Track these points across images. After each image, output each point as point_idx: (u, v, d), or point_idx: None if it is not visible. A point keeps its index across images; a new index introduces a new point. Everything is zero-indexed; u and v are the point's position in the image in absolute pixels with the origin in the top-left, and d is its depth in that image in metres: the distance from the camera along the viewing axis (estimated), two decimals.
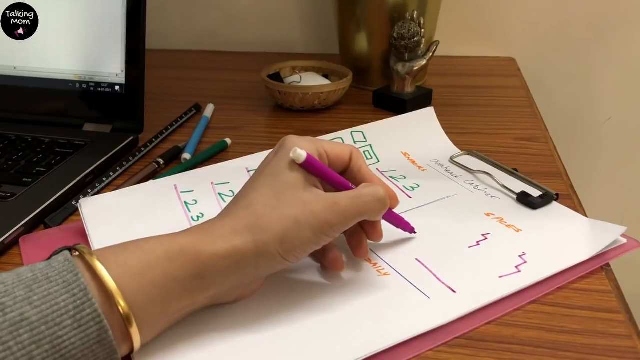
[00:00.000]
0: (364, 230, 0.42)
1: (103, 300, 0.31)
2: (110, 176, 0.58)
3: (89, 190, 0.55)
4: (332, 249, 0.42)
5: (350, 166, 0.42)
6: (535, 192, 0.52)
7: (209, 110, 0.74)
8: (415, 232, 0.46)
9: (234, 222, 0.36)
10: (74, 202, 0.53)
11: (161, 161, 0.60)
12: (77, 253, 0.34)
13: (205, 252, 0.35)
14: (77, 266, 0.32)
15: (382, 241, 0.43)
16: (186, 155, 0.61)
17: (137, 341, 0.33)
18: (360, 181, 0.41)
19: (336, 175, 0.40)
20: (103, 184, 0.56)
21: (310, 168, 0.39)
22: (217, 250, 0.35)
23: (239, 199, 0.39)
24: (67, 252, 0.33)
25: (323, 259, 0.42)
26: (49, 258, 0.33)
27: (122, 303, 0.32)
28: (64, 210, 0.52)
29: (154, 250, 0.34)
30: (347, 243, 0.43)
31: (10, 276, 0.31)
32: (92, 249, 0.45)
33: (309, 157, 0.38)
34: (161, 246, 0.34)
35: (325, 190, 0.40)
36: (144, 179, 0.57)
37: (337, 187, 0.40)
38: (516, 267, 0.42)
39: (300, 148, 0.38)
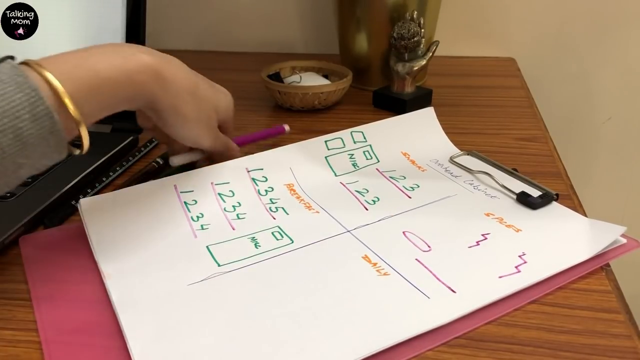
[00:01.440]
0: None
1: (52, 102, 0.37)
2: (110, 176, 0.58)
3: (89, 190, 0.55)
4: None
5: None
6: (535, 192, 0.52)
7: None
8: (285, 130, 0.49)
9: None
10: (73, 202, 0.53)
11: (160, 161, 0.60)
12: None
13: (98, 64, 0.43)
14: (25, 70, 0.36)
15: (382, 241, 0.43)
16: None
17: (85, 137, 0.40)
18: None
19: None
20: (103, 184, 0.56)
21: None
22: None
23: None
24: (10, 60, 0.38)
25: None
26: None
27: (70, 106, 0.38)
28: (63, 210, 0.52)
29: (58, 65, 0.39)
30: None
31: None
32: (93, 251, 0.45)
33: None
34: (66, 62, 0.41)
35: None
36: (143, 179, 0.57)
37: None
38: (516, 267, 0.42)
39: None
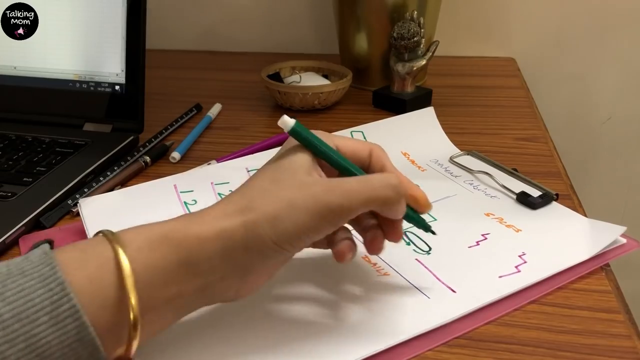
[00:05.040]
0: (381, 228, 0.38)
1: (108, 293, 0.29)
2: (108, 176, 0.58)
3: (86, 190, 0.55)
4: (342, 239, 0.36)
5: (371, 164, 0.37)
6: (535, 192, 0.52)
7: (214, 109, 0.74)
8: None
9: (225, 205, 0.34)
10: (69, 202, 0.53)
11: (147, 159, 0.60)
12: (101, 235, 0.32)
13: (190, 235, 0.32)
14: (55, 258, 0.29)
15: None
16: (175, 155, 0.61)
17: (136, 341, 0.31)
18: None
19: (335, 153, 0.36)
20: (100, 184, 0.56)
21: (302, 140, 0.35)
22: (203, 232, 0.32)
23: (238, 188, 0.36)
24: (45, 245, 0.31)
25: (331, 247, 0.37)
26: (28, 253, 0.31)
27: (133, 298, 0.29)
28: (59, 210, 0.52)
29: (134, 239, 0.32)
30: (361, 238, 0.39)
31: None
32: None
33: (297, 125, 0.35)
34: (140, 235, 0.32)
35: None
36: (130, 177, 0.58)
37: (341, 170, 0.36)
38: (516, 267, 0.42)
39: (294, 120, 0.35)
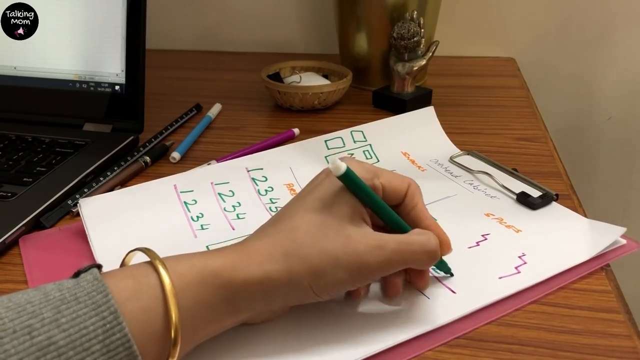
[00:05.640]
0: (407, 273, 0.40)
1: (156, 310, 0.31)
2: (108, 176, 0.58)
3: (86, 190, 0.55)
4: (395, 281, 0.39)
5: (405, 202, 0.39)
6: (535, 193, 0.52)
7: (214, 110, 0.74)
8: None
9: (271, 247, 0.35)
10: (69, 202, 0.53)
11: (147, 159, 0.60)
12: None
13: (237, 277, 0.33)
14: (107, 286, 0.30)
15: None
16: (175, 155, 0.61)
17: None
18: (413, 220, 0.38)
19: (381, 205, 0.37)
20: (100, 184, 0.56)
21: (351, 186, 0.36)
22: (249, 276, 0.33)
23: (281, 219, 0.37)
24: (95, 270, 0.31)
25: (384, 285, 0.40)
26: (76, 274, 0.32)
27: (174, 332, 0.31)
28: (59, 210, 0.52)
29: (187, 272, 0.33)
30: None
31: (37, 294, 0.29)
32: (93, 251, 0.45)
33: (349, 171, 0.35)
34: (194, 269, 0.33)
35: (374, 227, 0.38)
36: (130, 177, 0.58)
37: (384, 219, 0.38)
38: (516, 267, 0.42)
39: (345, 164, 0.35)
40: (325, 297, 0.35)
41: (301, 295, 0.35)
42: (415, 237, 0.36)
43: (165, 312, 0.31)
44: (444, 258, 0.41)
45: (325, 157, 0.57)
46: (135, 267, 0.33)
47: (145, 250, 0.34)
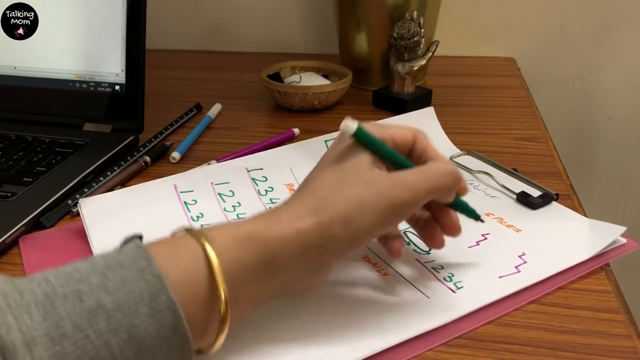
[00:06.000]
0: (438, 222, 0.40)
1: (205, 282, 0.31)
2: (108, 176, 0.58)
3: (86, 190, 0.55)
4: (395, 236, 0.40)
5: (414, 148, 0.40)
6: (535, 192, 0.52)
7: (214, 109, 0.74)
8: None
9: (298, 207, 0.35)
10: (69, 202, 0.53)
11: (147, 159, 0.60)
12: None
13: (272, 236, 0.34)
14: (149, 251, 0.31)
15: None
16: (175, 155, 0.61)
17: (224, 332, 0.32)
18: (426, 162, 0.39)
19: (394, 153, 0.38)
20: (100, 184, 0.56)
21: (364, 142, 0.37)
22: (283, 234, 0.34)
23: (304, 186, 0.38)
24: (137, 240, 0.32)
25: (385, 244, 0.41)
26: (121, 247, 0.32)
27: (223, 293, 0.31)
28: (59, 210, 0.52)
29: (222, 236, 0.33)
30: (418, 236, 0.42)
31: (83, 264, 0.30)
32: (93, 251, 0.45)
33: (360, 129, 0.36)
34: (228, 232, 0.34)
35: None
36: (130, 177, 0.58)
37: (399, 167, 0.38)
38: (516, 267, 0.42)
39: (356, 123, 0.36)
40: (360, 245, 0.36)
41: (336, 246, 0.35)
42: (432, 165, 0.37)
43: (208, 274, 0.31)
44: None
45: None
46: (173, 236, 0.34)
47: (186, 229, 0.34)
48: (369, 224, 0.35)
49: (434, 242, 0.41)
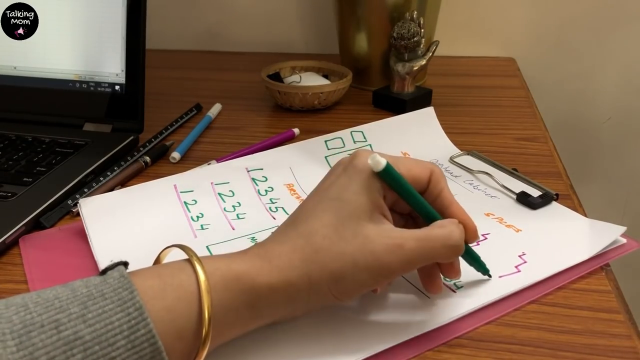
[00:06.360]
0: (438, 266, 0.39)
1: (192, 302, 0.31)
2: (108, 176, 0.58)
3: (86, 190, 0.55)
4: (436, 276, 0.39)
5: (429, 189, 0.38)
6: (535, 192, 0.52)
7: (214, 109, 0.74)
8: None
9: (291, 252, 0.34)
10: (69, 202, 0.53)
11: (147, 159, 0.60)
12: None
13: (261, 284, 0.33)
14: (133, 283, 0.30)
15: None
16: (175, 155, 0.62)
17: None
18: (438, 207, 0.38)
19: (419, 199, 0.37)
20: (100, 184, 0.56)
21: (389, 180, 0.36)
22: (272, 283, 0.33)
23: (300, 220, 0.36)
24: (122, 268, 0.32)
25: (426, 281, 0.39)
26: (104, 272, 0.32)
27: (208, 336, 0.31)
28: (59, 210, 0.52)
29: (212, 274, 0.33)
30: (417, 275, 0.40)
31: (64, 291, 0.30)
32: (93, 251, 0.45)
33: (389, 166, 0.35)
34: (218, 271, 0.33)
35: (398, 214, 0.38)
36: (130, 177, 0.58)
37: (419, 211, 0.37)
38: (516, 267, 0.42)
39: (385, 159, 0.35)
40: (347, 300, 0.36)
41: (322, 299, 0.35)
42: (435, 232, 0.35)
43: (189, 313, 0.31)
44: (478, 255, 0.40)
45: (325, 157, 0.57)
46: (162, 267, 0.34)
47: (183, 247, 0.34)
48: (358, 283, 0.34)
49: (433, 287, 0.39)
